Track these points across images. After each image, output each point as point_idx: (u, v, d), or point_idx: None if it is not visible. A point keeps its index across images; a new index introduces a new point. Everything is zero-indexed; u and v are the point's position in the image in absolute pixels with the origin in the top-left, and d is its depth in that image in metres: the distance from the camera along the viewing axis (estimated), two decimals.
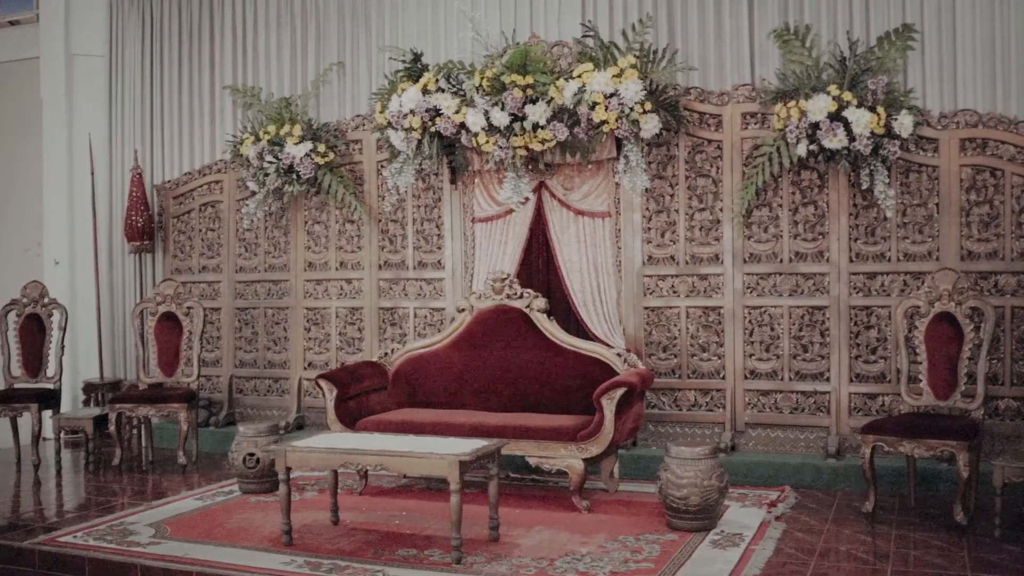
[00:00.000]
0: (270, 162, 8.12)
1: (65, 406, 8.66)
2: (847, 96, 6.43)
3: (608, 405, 6.08)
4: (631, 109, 6.79)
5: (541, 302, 7.01)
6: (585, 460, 6.11)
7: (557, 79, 6.99)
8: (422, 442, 5.54)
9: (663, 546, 5.29)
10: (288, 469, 5.42)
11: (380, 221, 8.28)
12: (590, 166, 7.38)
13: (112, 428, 7.66)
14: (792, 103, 6.61)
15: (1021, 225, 6.50)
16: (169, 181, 9.31)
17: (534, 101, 6.97)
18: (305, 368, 8.59)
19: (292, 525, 5.46)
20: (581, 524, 5.79)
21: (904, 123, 6.42)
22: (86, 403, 9.04)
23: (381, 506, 6.30)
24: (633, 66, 6.87)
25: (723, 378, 7.19)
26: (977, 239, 6.58)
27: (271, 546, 5.40)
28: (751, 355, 7.13)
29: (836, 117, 6.43)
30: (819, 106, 6.45)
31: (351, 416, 6.70)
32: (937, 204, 6.67)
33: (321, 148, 8.10)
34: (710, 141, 7.21)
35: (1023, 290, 6.48)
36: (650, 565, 4.97)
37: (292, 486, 5.53)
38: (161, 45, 9.43)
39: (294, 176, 8.15)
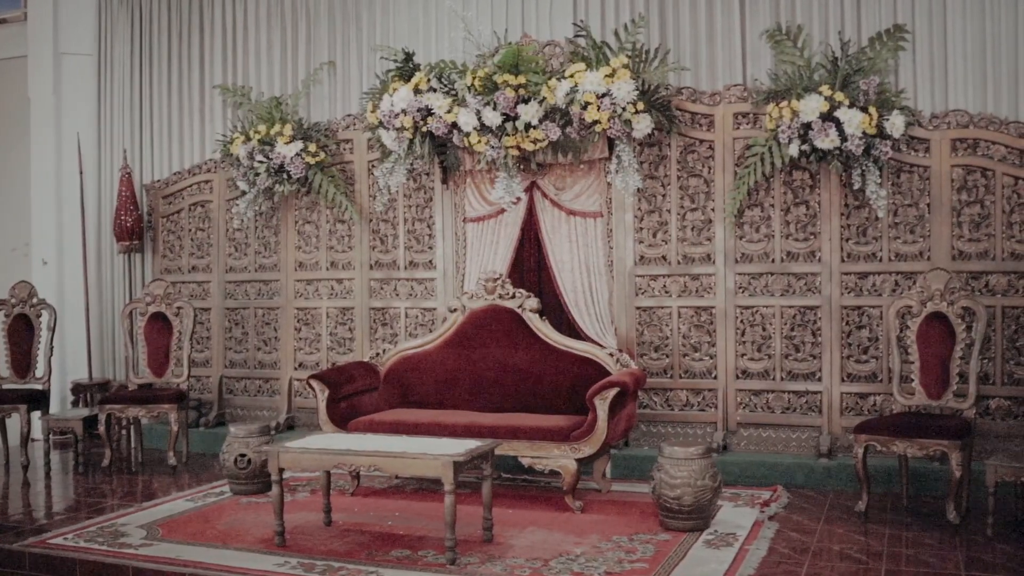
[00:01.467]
0: (260, 162, 8.09)
1: (54, 407, 8.61)
2: (839, 96, 6.44)
3: (601, 405, 6.07)
4: (623, 109, 6.79)
5: (533, 302, 7.00)
6: (578, 460, 6.10)
7: (549, 79, 6.98)
8: (415, 443, 5.52)
9: (657, 546, 5.29)
10: (281, 470, 5.40)
11: (371, 221, 8.26)
12: (582, 166, 7.38)
13: (101, 429, 7.63)
14: (784, 103, 6.62)
15: (1012, 225, 6.52)
16: (158, 181, 9.27)
17: (526, 101, 6.96)
18: (296, 368, 8.56)
19: (285, 526, 5.44)
20: (575, 524, 5.78)
21: (896, 123, 6.44)
22: (75, 404, 8.98)
23: (374, 507, 6.28)
24: (625, 66, 6.86)
25: (715, 378, 7.20)
26: (968, 239, 6.60)
27: (264, 547, 5.38)
28: (743, 355, 7.14)
29: (828, 117, 6.44)
30: (811, 106, 6.45)
31: (343, 417, 6.68)
32: (928, 204, 6.69)
33: (312, 148, 8.07)
34: (702, 141, 7.21)
35: (1014, 290, 6.50)
36: (644, 565, 4.97)
37: (284, 487, 5.49)
38: (150, 44, 9.38)
39: (284, 176, 8.12)
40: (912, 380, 6.17)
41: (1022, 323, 6.48)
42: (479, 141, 7.12)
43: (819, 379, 6.95)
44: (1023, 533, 5.48)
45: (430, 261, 8.04)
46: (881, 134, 6.46)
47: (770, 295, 7.08)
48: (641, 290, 7.40)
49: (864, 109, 6.44)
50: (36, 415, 8.00)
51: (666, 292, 7.34)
